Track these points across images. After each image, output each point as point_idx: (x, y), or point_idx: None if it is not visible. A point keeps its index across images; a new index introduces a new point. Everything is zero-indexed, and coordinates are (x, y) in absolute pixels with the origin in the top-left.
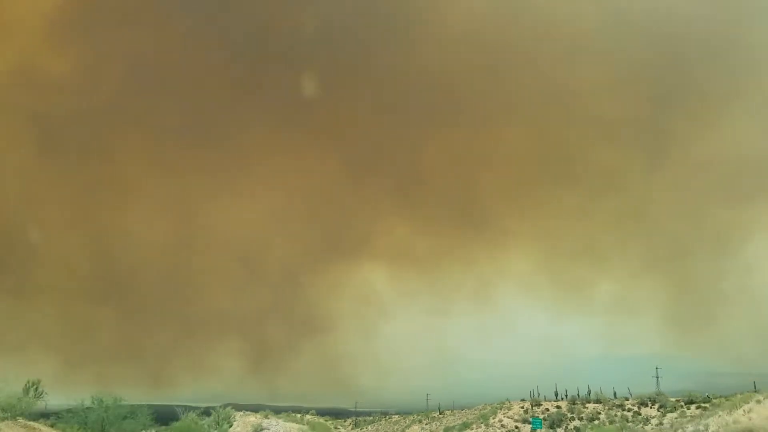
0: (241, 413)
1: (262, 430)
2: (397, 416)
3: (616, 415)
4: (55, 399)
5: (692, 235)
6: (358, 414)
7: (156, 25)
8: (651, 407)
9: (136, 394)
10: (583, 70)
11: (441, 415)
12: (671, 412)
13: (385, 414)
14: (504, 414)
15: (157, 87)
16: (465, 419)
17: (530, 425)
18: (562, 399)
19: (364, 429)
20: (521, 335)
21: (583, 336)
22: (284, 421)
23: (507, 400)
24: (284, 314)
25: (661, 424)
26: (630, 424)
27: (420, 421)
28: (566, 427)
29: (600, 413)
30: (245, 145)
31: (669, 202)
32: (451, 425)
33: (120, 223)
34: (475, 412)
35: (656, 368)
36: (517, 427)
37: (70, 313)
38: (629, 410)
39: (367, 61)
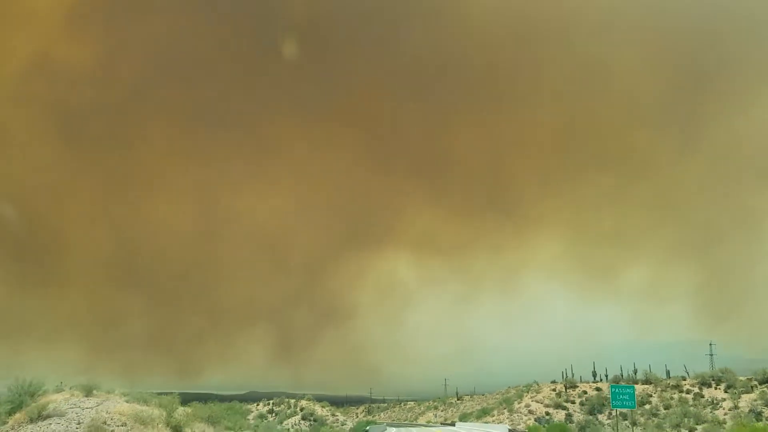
0: None
1: None
2: (412, 403)
3: (672, 398)
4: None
5: (725, 219)
6: (372, 401)
7: (176, 12)
8: (716, 388)
9: (163, 382)
10: (616, 47)
11: (459, 401)
12: (747, 393)
13: (399, 401)
14: (532, 398)
15: (178, 75)
16: (485, 405)
17: (563, 410)
18: (601, 380)
19: (376, 416)
20: (548, 322)
21: (612, 323)
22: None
23: (535, 382)
24: (309, 302)
25: (736, 407)
26: (692, 408)
27: (435, 408)
28: (609, 413)
29: (651, 396)
30: (269, 133)
31: (702, 186)
32: (469, 411)
33: (145, 213)
34: (497, 396)
35: (710, 344)
36: (548, 413)
37: (97, 303)
38: (688, 392)
39: (392, 43)
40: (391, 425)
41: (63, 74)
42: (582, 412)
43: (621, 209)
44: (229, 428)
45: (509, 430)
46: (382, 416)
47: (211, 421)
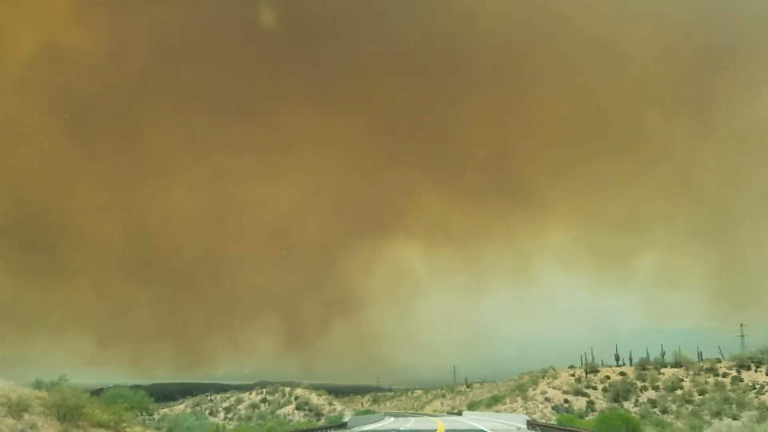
0: None
1: None
2: (419, 391)
3: (706, 383)
4: (93, 378)
5: (739, 203)
6: (379, 390)
7: None
8: (756, 370)
9: (173, 372)
10: (629, 30)
11: (468, 389)
12: None
13: (406, 390)
14: (548, 384)
15: (187, 63)
16: (496, 392)
17: (584, 397)
18: (624, 364)
19: (382, 405)
20: (560, 310)
21: (625, 310)
22: None
23: (551, 367)
24: (318, 292)
25: None
26: (732, 393)
27: (443, 396)
28: (636, 400)
29: (683, 380)
30: (278, 122)
31: (716, 170)
32: (478, 399)
33: (154, 203)
34: (509, 383)
35: (740, 325)
36: (566, 401)
37: (106, 293)
38: (725, 375)
39: (399, 27)
40: (391, 415)
41: (70, 63)
42: (605, 398)
43: (634, 195)
44: (103, 425)
45: (528, 421)
46: (387, 405)
47: (64, 411)
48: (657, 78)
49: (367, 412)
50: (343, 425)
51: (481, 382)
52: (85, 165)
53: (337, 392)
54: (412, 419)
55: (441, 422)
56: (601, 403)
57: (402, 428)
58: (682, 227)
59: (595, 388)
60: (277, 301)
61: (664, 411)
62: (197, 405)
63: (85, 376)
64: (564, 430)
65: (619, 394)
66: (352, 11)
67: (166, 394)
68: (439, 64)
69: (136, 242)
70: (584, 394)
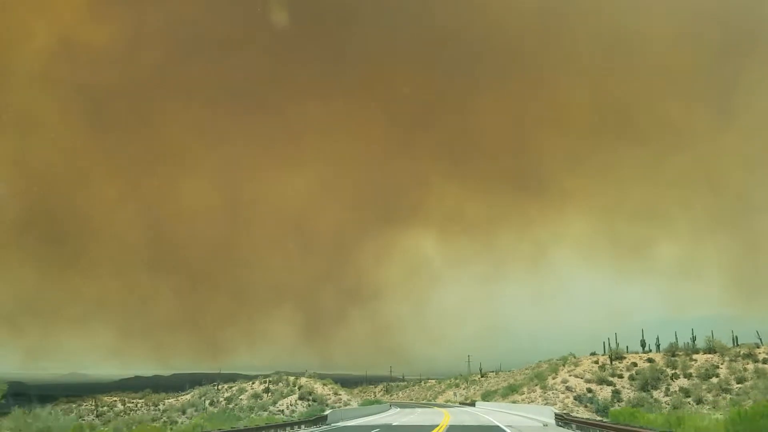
0: None
1: None
2: (432, 381)
3: (745, 369)
4: (114, 369)
5: (760, 191)
6: (392, 379)
7: None
8: None
9: (194, 362)
10: (649, 15)
11: (482, 378)
12: None
13: (420, 379)
14: (569, 372)
15: (201, 55)
16: (512, 381)
17: (609, 386)
18: (650, 350)
19: (394, 395)
20: (578, 300)
21: (644, 299)
22: None
23: (571, 354)
24: (335, 282)
25: None
26: None
27: (457, 386)
28: (667, 389)
29: (718, 367)
30: (293, 113)
31: (736, 158)
32: (493, 389)
33: (170, 194)
34: (526, 371)
35: None
36: (590, 390)
37: (126, 285)
38: (765, 361)
39: (413, 16)
40: (397, 405)
41: (86, 55)
42: (633, 388)
43: (653, 184)
44: None
45: (557, 415)
46: (400, 395)
47: None
48: (676, 65)
49: (374, 402)
50: (322, 419)
51: (497, 371)
52: (102, 157)
53: (350, 382)
54: (418, 410)
55: (448, 414)
56: (628, 393)
57: (396, 422)
58: (702, 215)
59: (620, 376)
60: (293, 291)
61: (699, 401)
62: (203, 395)
63: (108, 367)
64: (620, 428)
65: (647, 382)
66: (365, 0)
67: (184, 384)
68: (454, 53)
69: (153, 233)
70: (609, 383)
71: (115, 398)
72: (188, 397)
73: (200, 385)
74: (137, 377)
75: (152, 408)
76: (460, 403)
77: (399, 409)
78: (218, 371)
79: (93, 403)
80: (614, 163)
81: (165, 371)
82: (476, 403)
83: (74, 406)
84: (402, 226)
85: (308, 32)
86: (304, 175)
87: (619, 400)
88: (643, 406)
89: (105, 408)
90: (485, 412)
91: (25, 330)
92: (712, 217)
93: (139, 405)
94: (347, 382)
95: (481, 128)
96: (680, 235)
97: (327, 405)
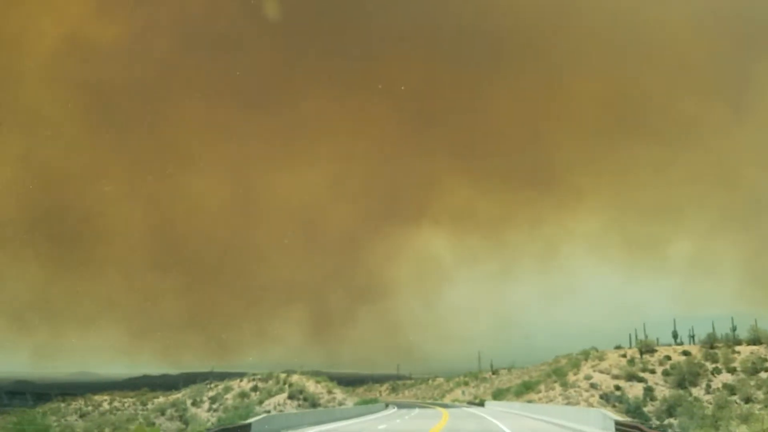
0: None
1: None
2: (441, 379)
3: None
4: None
5: None
6: (399, 378)
7: None
8: None
9: (203, 361)
10: (663, 9)
11: (494, 375)
12: None
13: (427, 378)
14: (593, 367)
15: (210, 51)
16: (527, 378)
17: (640, 383)
18: (681, 343)
19: (400, 394)
20: (591, 298)
21: (657, 297)
22: None
23: (593, 348)
24: (344, 281)
25: None
26: None
27: (466, 384)
28: (708, 386)
29: (767, 360)
30: (303, 109)
31: (751, 155)
32: (506, 386)
33: (180, 192)
34: (542, 367)
35: None
36: (618, 387)
37: (135, 284)
38: None
39: (425, 10)
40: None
41: (93, 53)
42: (667, 384)
43: (667, 180)
44: None
45: (617, 422)
46: (406, 394)
47: None
48: (691, 60)
49: (371, 401)
50: (245, 428)
51: (509, 368)
52: (109, 155)
53: (357, 381)
54: (415, 411)
55: (447, 417)
56: (662, 390)
57: (381, 426)
58: (716, 213)
59: (652, 372)
60: (303, 290)
61: (748, 399)
62: (193, 394)
63: (117, 366)
64: None
65: (684, 378)
66: None
67: (191, 383)
68: (467, 48)
69: (160, 232)
70: (640, 379)
71: (105, 397)
72: (179, 395)
73: (194, 383)
74: (145, 376)
75: (140, 407)
76: (467, 403)
77: (396, 409)
78: (229, 370)
79: (85, 403)
80: (627, 160)
81: (173, 370)
82: (486, 403)
83: (63, 405)
84: (412, 223)
85: (319, 27)
86: (314, 173)
87: (653, 399)
88: (681, 405)
89: (90, 408)
90: (495, 415)
91: (34, 329)
92: (726, 214)
93: (126, 405)
94: (354, 381)
95: (493, 125)
96: (693, 232)
97: (319, 404)
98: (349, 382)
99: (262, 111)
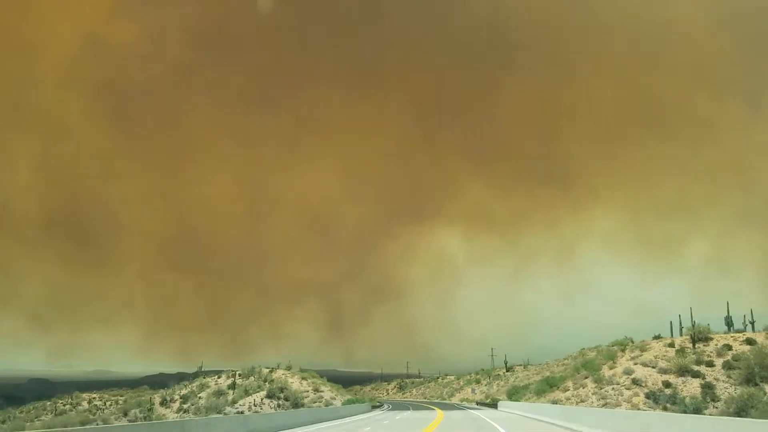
0: None
1: None
2: (451, 377)
3: None
4: (139, 367)
5: None
6: (407, 376)
7: None
8: None
9: (220, 360)
10: (676, 8)
11: (508, 372)
12: None
13: (437, 376)
14: (633, 359)
15: (225, 51)
16: (547, 373)
17: (696, 378)
18: (733, 329)
19: (407, 392)
20: (607, 296)
21: (673, 296)
22: None
23: (628, 338)
24: (358, 281)
25: None
26: None
27: (477, 381)
28: None
29: None
30: (317, 109)
31: (767, 153)
32: (522, 384)
33: (195, 191)
34: (565, 361)
35: None
36: (668, 384)
37: (152, 283)
38: None
39: (439, 11)
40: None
41: (111, 54)
42: (731, 380)
43: (683, 179)
44: None
45: None
46: (413, 392)
47: None
48: (706, 59)
49: (357, 401)
50: None
51: (525, 365)
52: (127, 155)
53: (366, 379)
54: (400, 415)
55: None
56: (725, 387)
57: None
58: (733, 212)
59: (710, 364)
60: (317, 289)
61: None
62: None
63: (135, 365)
64: None
65: (754, 372)
66: None
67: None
68: (481, 48)
69: (177, 231)
70: (695, 374)
71: (93, 395)
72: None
73: (182, 380)
74: (161, 374)
75: (116, 405)
76: (477, 403)
77: (386, 410)
78: (240, 369)
79: (71, 401)
80: (643, 159)
81: (189, 368)
82: (499, 404)
83: (48, 403)
84: (426, 223)
85: (334, 29)
86: (329, 173)
87: (714, 399)
88: (755, 407)
89: (68, 407)
90: (516, 424)
91: (52, 327)
92: (742, 213)
93: (108, 404)
94: (365, 380)
95: (508, 125)
96: (711, 231)
97: (301, 404)
98: (359, 381)
99: (279, 111)
